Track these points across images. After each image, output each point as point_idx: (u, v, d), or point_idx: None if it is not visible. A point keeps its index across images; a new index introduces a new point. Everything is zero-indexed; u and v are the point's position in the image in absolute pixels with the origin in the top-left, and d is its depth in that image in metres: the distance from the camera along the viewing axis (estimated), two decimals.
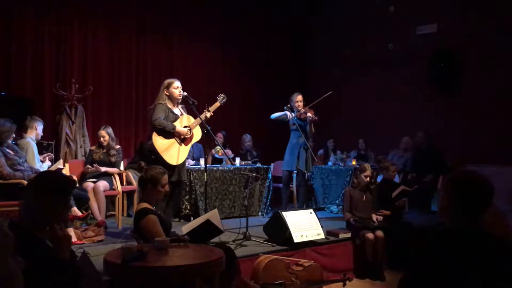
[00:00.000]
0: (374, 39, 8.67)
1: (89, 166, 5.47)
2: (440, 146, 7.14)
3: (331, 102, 8.97)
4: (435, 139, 7.23)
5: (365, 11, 8.89)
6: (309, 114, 5.77)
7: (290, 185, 6.22)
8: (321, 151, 8.24)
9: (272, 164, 7.32)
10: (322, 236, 4.67)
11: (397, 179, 6.67)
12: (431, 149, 7.09)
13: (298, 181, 6.04)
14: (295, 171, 5.98)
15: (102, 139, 5.61)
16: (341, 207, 6.62)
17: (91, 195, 5.14)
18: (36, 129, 5.13)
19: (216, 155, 6.87)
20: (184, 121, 4.85)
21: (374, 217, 4.99)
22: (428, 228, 5.47)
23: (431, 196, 6.90)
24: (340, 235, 4.90)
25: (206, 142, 5.31)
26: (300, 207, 5.78)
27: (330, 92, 5.75)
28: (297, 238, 4.43)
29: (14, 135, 4.64)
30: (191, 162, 6.43)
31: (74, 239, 4.32)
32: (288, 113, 5.89)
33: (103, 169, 5.48)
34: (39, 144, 5.37)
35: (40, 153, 5.35)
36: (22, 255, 1.84)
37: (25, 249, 1.98)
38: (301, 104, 5.92)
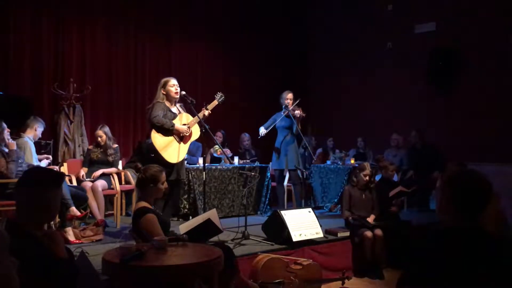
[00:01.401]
0: (373, 37, 8.67)
1: (83, 170, 5.47)
2: (437, 144, 7.15)
3: (330, 101, 9.04)
4: (430, 137, 7.26)
5: (363, 10, 8.88)
6: (297, 112, 5.78)
7: (288, 184, 6.22)
8: (320, 150, 8.25)
9: (271, 163, 7.31)
10: (321, 235, 4.67)
11: (395, 177, 6.67)
12: (426, 148, 7.12)
13: (292, 180, 6.04)
14: (286, 170, 6.00)
15: (99, 138, 5.61)
16: (335, 204, 6.65)
17: (89, 195, 5.14)
18: (36, 130, 5.15)
19: (215, 154, 6.86)
20: (183, 120, 4.85)
21: (370, 219, 4.99)
22: (426, 227, 5.47)
23: (430, 195, 6.91)
24: (339, 233, 4.91)
25: (205, 141, 5.31)
26: (298, 206, 5.78)
27: (299, 100, 5.88)
28: (295, 237, 4.43)
29: (9, 133, 4.61)
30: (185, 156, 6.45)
31: (72, 238, 4.32)
32: (261, 130, 5.88)
33: (98, 172, 5.44)
34: (37, 143, 5.36)
35: (38, 152, 5.35)
36: (19, 254, 1.84)
37: (21, 248, 1.97)
38: (290, 102, 5.93)
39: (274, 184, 6.54)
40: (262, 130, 5.89)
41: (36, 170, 2.56)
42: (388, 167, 5.48)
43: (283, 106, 5.92)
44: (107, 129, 5.70)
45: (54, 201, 2.18)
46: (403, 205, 6.46)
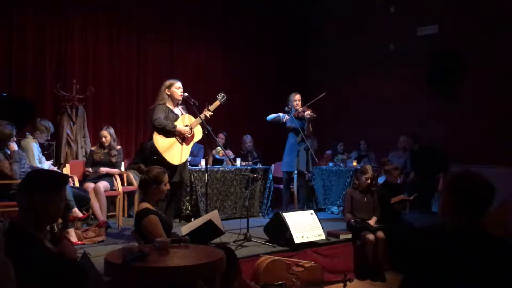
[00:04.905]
0: (374, 39, 8.66)
1: (89, 170, 5.47)
2: (437, 146, 7.16)
3: (331, 103, 9.03)
4: (432, 139, 7.29)
5: (365, 12, 8.89)
6: (307, 112, 5.76)
7: (291, 186, 6.21)
8: (329, 151, 8.23)
9: (273, 165, 7.32)
10: (323, 237, 4.67)
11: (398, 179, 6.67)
12: (424, 151, 7.16)
13: (299, 182, 6.02)
14: (295, 172, 5.97)
15: (103, 139, 5.62)
16: (341, 208, 6.62)
17: (92, 196, 5.15)
18: (35, 137, 5.18)
19: (217, 156, 6.87)
20: (185, 121, 4.86)
21: (371, 222, 4.99)
22: (429, 229, 5.46)
23: (432, 197, 6.90)
24: (340, 236, 4.90)
25: (207, 143, 5.31)
26: (301, 208, 5.77)
27: (325, 93, 5.80)
28: (297, 239, 4.43)
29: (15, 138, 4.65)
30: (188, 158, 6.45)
31: (74, 239, 4.33)
32: (282, 114, 5.85)
33: (104, 170, 5.48)
34: (39, 144, 5.38)
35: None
36: (21, 255, 1.85)
37: (23, 249, 1.98)
38: (299, 103, 5.93)
39: (277, 186, 6.53)
40: (285, 116, 5.84)
41: (38, 172, 2.55)
42: (392, 172, 5.44)
43: (292, 109, 5.87)
44: (112, 130, 5.72)
45: (56, 204, 2.17)
46: (406, 207, 6.44)
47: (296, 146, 5.88)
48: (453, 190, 1.88)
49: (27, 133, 5.16)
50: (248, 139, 7.47)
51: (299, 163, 5.82)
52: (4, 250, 1.49)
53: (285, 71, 9.15)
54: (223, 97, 5.08)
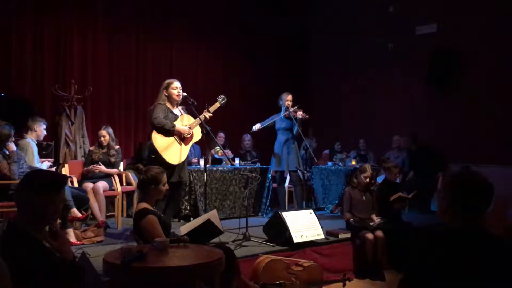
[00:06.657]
0: (373, 39, 8.67)
1: (95, 166, 5.46)
2: (435, 145, 7.18)
3: (330, 102, 9.04)
4: (431, 138, 7.31)
5: (364, 11, 8.89)
6: (300, 113, 5.80)
7: (289, 186, 6.22)
8: (326, 151, 8.24)
9: (271, 165, 7.31)
10: (322, 236, 4.67)
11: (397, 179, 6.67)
12: (422, 150, 7.18)
13: (293, 181, 6.05)
14: (287, 171, 6.00)
15: (102, 138, 5.61)
16: (339, 206, 6.64)
17: (90, 196, 5.14)
18: (35, 130, 5.15)
19: (216, 155, 6.87)
20: (184, 121, 4.85)
21: (373, 217, 4.99)
22: (428, 228, 5.47)
23: (431, 196, 6.91)
24: (340, 235, 4.91)
25: (206, 143, 5.31)
26: (299, 207, 5.77)
27: (298, 106, 5.89)
28: (297, 238, 4.43)
29: (13, 138, 4.64)
30: (195, 160, 6.49)
31: (73, 239, 4.33)
32: (256, 125, 5.93)
33: (103, 168, 5.47)
34: (38, 144, 5.37)
35: (40, 154, 5.35)
36: (19, 255, 1.84)
37: (21, 249, 1.98)
38: (290, 103, 5.95)
39: (274, 185, 6.54)
40: (257, 126, 5.92)
41: (37, 173, 2.54)
42: (392, 169, 5.44)
43: (283, 108, 5.93)
44: (110, 130, 5.72)
45: (55, 204, 2.16)
46: (405, 206, 6.45)
47: (285, 145, 5.92)
48: (452, 190, 1.88)
49: (24, 133, 5.13)
50: (247, 138, 7.47)
51: (289, 162, 5.86)
52: None
53: (284, 70, 9.14)
54: (223, 99, 5.06)
